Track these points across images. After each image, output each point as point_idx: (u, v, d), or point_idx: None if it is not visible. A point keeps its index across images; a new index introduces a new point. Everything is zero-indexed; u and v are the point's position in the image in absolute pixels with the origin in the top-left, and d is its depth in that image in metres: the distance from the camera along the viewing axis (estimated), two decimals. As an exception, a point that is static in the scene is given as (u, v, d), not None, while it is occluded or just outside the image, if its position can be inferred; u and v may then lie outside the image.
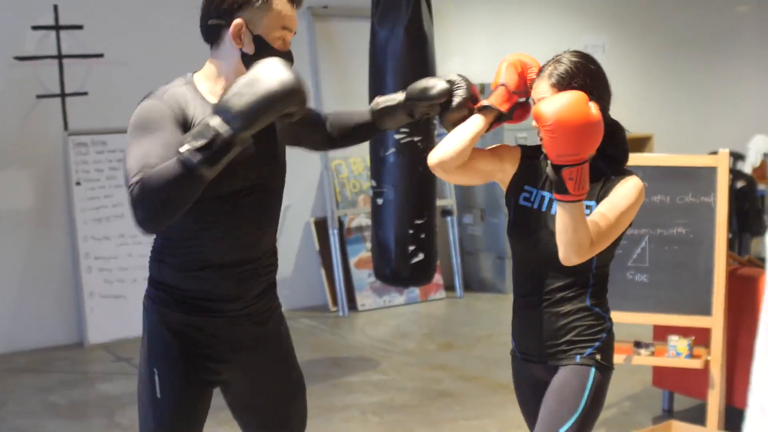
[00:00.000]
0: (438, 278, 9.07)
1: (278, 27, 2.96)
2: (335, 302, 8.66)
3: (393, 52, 6.14)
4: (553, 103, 2.83)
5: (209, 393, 3.29)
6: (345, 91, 8.83)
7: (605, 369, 3.14)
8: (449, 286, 9.25)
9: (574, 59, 3.12)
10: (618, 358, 5.13)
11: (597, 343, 3.12)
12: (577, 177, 2.84)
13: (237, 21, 2.96)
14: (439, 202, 8.97)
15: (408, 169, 6.17)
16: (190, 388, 3.17)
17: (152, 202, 2.66)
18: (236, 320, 3.14)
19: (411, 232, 6.16)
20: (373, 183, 6.30)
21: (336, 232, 8.58)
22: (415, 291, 8.92)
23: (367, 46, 6.42)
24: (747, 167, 9.37)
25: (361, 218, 8.78)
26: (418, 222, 6.18)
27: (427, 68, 6.22)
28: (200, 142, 2.64)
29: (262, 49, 2.93)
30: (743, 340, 5.06)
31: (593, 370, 3.09)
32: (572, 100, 2.83)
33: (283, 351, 3.45)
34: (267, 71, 2.72)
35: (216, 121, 2.67)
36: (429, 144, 6.24)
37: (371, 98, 6.32)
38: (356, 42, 8.47)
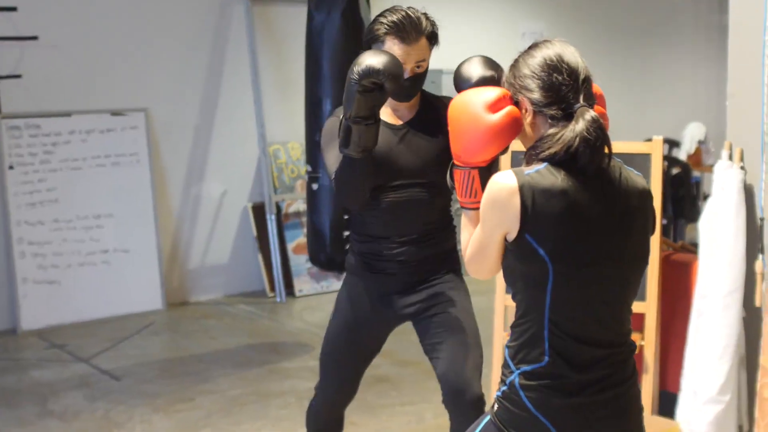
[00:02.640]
0: (376, 264, 9.06)
1: None
2: (273, 288, 8.63)
3: (329, 37, 6.11)
4: (458, 98, 2.78)
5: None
6: (283, 77, 8.79)
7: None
8: (387, 272, 9.25)
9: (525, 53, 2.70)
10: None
11: (498, 393, 2.68)
12: (461, 182, 2.76)
13: None
14: (377, 188, 8.96)
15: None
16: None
17: (342, 189, 3.59)
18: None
19: (346, 217, 6.15)
20: (309, 168, 6.28)
21: (273, 217, 8.55)
22: (353, 277, 8.90)
23: (304, 31, 6.39)
24: (682, 154, 9.48)
25: (299, 204, 8.75)
26: (354, 208, 6.17)
27: (363, 54, 6.20)
28: (340, 138, 3.48)
29: None
30: (676, 325, 5.11)
31: (486, 418, 2.71)
32: (471, 98, 2.72)
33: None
34: (354, 61, 3.42)
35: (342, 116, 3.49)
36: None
37: (307, 84, 6.32)
38: (294, 27, 8.43)
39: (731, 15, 4.77)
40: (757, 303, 4.47)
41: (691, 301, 4.75)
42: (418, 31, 3.65)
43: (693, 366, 4.68)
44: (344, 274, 3.99)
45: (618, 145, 5.17)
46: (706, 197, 5.05)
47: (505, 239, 2.57)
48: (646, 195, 2.65)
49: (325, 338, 3.99)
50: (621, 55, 11.69)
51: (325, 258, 6.31)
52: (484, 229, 2.60)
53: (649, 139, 5.11)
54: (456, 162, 2.77)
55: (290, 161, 8.89)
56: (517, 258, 2.56)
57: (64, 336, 7.39)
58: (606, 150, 2.56)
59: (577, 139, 2.49)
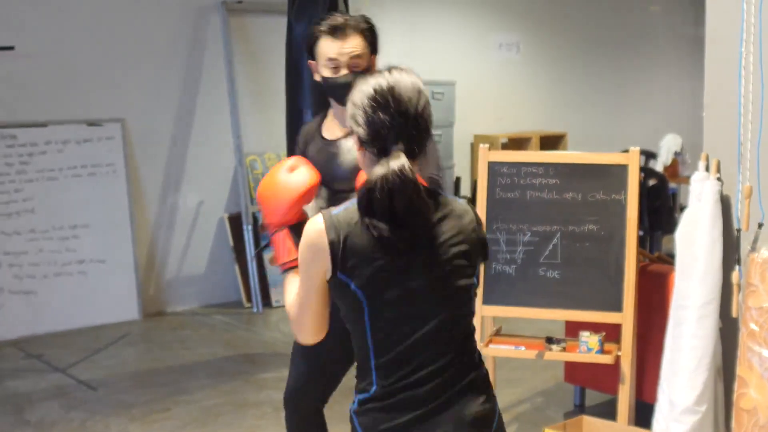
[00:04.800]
0: (353, 275, 9.06)
1: (325, 59, 3.65)
2: (249, 298, 8.61)
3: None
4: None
5: None
6: (261, 88, 8.79)
7: None
8: (364, 283, 9.25)
9: None
10: (530, 354, 5.18)
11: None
12: (278, 246, 2.87)
13: (311, 62, 3.76)
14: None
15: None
16: None
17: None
18: None
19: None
20: (288, 179, 6.28)
21: (250, 228, 8.53)
22: (330, 287, 8.90)
23: (283, 42, 6.39)
24: (659, 165, 9.51)
25: (276, 214, 8.73)
26: (333, 218, 6.17)
27: (343, 64, 6.20)
28: None
29: (322, 79, 3.72)
30: (653, 336, 5.13)
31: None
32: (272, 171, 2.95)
33: None
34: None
35: None
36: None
37: (288, 95, 6.32)
38: (272, 38, 8.43)
39: (708, 27, 4.79)
40: (734, 314, 4.49)
41: (668, 312, 4.76)
42: (350, 27, 3.69)
43: (670, 376, 4.69)
44: None
45: (595, 156, 5.21)
46: (682, 208, 5.07)
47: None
48: (468, 229, 2.58)
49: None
50: (597, 66, 11.74)
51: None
52: (302, 277, 2.54)
53: (626, 151, 5.13)
54: (269, 232, 2.86)
55: (266, 172, 8.86)
56: (337, 297, 2.54)
57: (40, 346, 7.36)
58: (409, 198, 2.42)
59: (378, 182, 2.41)
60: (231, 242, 8.71)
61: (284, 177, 2.83)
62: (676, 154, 9.58)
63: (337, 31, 3.65)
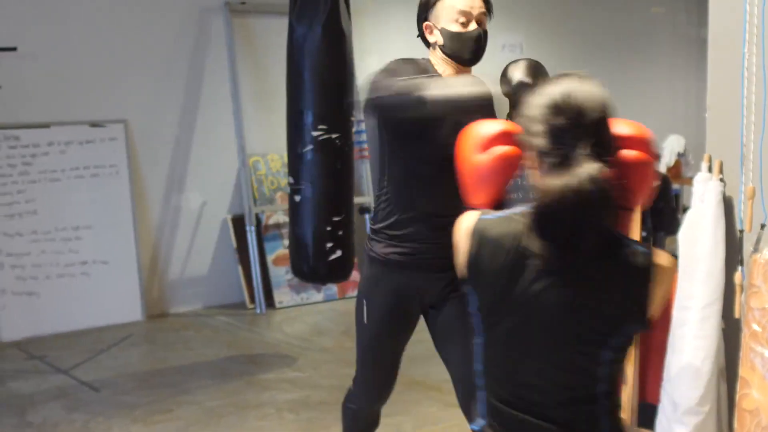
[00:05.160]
0: (356, 275, 9.05)
1: (455, 11, 3.58)
2: (252, 299, 8.61)
3: (310, 49, 6.11)
4: (465, 130, 2.70)
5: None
6: (263, 88, 8.79)
7: None
8: (367, 284, 9.25)
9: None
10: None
11: None
12: None
13: (425, 23, 3.71)
14: (358, 200, 8.96)
15: (326, 166, 6.15)
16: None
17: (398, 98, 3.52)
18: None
19: (329, 229, 6.14)
20: (291, 180, 6.27)
21: (253, 229, 8.53)
22: (333, 288, 8.91)
23: (285, 43, 6.39)
24: (662, 166, 9.50)
25: (279, 215, 8.74)
26: (336, 219, 6.17)
27: (344, 66, 6.21)
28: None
29: (449, 35, 3.61)
30: (656, 337, 5.12)
31: None
32: (471, 133, 2.65)
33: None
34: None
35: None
36: (347, 141, 6.23)
37: (289, 96, 6.32)
38: (274, 38, 8.43)
39: (711, 27, 4.79)
40: (737, 314, 4.48)
41: (671, 313, 4.76)
42: None
43: (672, 377, 4.69)
44: (365, 275, 3.86)
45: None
46: (685, 209, 5.06)
47: None
48: (634, 280, 2.32)
49: (362, 338, 3.92)
50: (600, 67, 11.72)
51: (308, 270, 6.30)
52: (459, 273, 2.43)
53: (629, 151, 5.12)
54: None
55: (270, 173, 8.88)
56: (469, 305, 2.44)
57: (42, 347, 7.36)
58: (597, 213, 2.22)
59: (561, 192, 2.21)
60: (234, 243, 8.71)
61: (475, 158, 2.52)
62: (679, 155, 9.57)
63: None
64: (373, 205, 3.71)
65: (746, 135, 4.58)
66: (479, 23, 3.60)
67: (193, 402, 6.15)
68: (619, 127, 2.37)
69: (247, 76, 8.78)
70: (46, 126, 7.79)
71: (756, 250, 4.13)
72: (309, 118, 6.10)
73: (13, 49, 7.59)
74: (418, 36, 3.78)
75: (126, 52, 8.16)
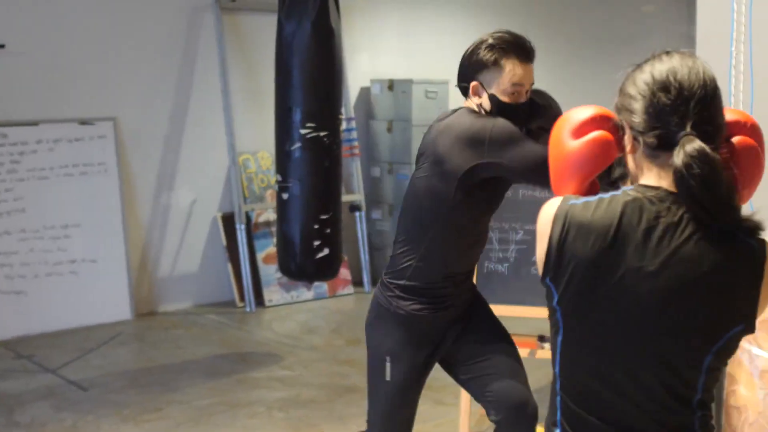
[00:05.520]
0: (346, 273, 9.06)
1: (509, 84, 3.46)
2: (242, 298, 8.60)
3: (299, 46, 6.11)
4: (560, 117, 2.54)
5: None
6: (253, 86, 8.78)
7: None
8: (357, 282, 9.25)
9: None
10: (523, 352, 5.16)
11: None
12: None
13: (474, 83, 3.52)
14: (348, 198, 8.96)
15: (313, 164, 6.15)
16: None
17: None
18: None
19: (316, 227, 6.14)
20: (279, 177, 6.27)
21: (243, 227, 8.52)
22: (323, 286, 8.90)
23: (274, 40, 6.38)
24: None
25: (269, 213, 8.73)
26: (324, 217, 6.17)
27: (333, 63, 6.21)
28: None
29: (497, 104, 3.47)
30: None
31: None
32: (564, 119, 2.48)
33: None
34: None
35: None
36: (335, 139, 6.23)
37: (277, 93, 6.31)
38: (264, 36, 8.42)
39: (698, 26, 4.79)
40: (725, 312, 4.49)
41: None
42: (532, 51, 3.58)
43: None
44: (386, 321, 3.69)
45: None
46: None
47: None
48: (748, 274, 2.09)
49: (384, 397, 3.77)
50: (590, 65, 11.72)
51: (295, 268, 6.31)
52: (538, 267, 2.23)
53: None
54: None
55: (260, 171, 8.87)
56: (547, 300, 2.21)
57: (31, 346, 7.34)
58: (715, 196, 2.03)
59: (679, 174, 2.04)
60: (224, 241, 8.70)
61: (569, 144, 2.34)
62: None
63: (527, 54, 3.53)
64: (389, 254, 3.61)
65: (734, 132, 4.57)
66: (526, 95, 3.54)
67: (183, 401, 6.15)
68: (725, 114, 2.20)
69: (238, 74, 8.76)
70: (34, 124, 7.77)
71: None
72: (297, 116, 6.10)
73: (2, 46, 7.57)
74: (457, 85, 3.63)
75: (116, 50, 8.14)
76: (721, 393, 4.40)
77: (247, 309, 8.50)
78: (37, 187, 7.76)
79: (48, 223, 7.81)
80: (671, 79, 2.12)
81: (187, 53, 8.54)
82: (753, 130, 2.26)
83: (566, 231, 2.11)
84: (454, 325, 3.72)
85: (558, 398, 2.21)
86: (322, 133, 6.12)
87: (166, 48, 8.43)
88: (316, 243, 6.15)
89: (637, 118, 2.14)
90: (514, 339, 5.21)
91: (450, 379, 3.91)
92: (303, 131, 6.10)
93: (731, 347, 2.13)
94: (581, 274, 2.10)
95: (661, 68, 2.15)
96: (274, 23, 6.33)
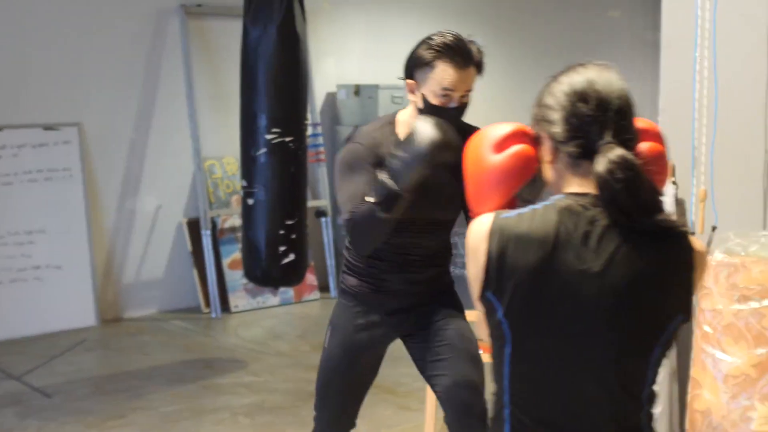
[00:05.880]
0: (312, 279, 9.05)
1: (439, 87, 3.42)
2: (208, 304, 8.57)
3: (265, 51, 6.10)
4: (474, 136, 2.52)
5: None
6: (218, 91, 8.76)
7: None
8: (324, 287, 9.24)
9: None
10: (487, 357, 5.18)
11: None
12: None
13: (410, 80, 3.52)
14: (314, 203, 8.95)
15: (279, 170, 6.14)
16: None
17: (358, 235, 3.46)
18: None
19: (282, 232, 6.13)
20: (244, 183, 6.26)
21: (209, 232, 8.49)
22: (289, 292, 8.88)
23: (239, 45, 6.37)
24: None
25: (235, 219, 8.71)
26: (289, 222, 6.16)
27: (299, 69, 6.20)
28: (378, 197, 3.30)
29: (426, 105, 3.47)
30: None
31: None
32: (481, 136, 2.48)
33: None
34: (417, 132, 3.27)
35: (386, 178, 3.29)
36: (301, 145, 6.22)
37: (243, 99, 6.30)
38: (230, 41, 8.40)
39: (663, 32, 4.83)
40: (689, 316, 4.51)
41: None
42: (470, 56, 3.46)
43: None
44: (338, 297, 3.83)
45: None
46: (638, 212, 5.08)
47: None
48: (681, 267, 2.18)
49: (321, 366, 3.84)
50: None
51: (260, 273, 6.29)
52: (471, 285, 2.22)
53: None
54: (470, 215, 2.43)
55: (226, 176, 8.85)
56: (486, 317, 2.21)
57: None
58: (637, 200, 2.10)
59: (602, 181, 2.10)
60: (189, 247, 8.67)
61: (491, 158, 2.35)
62: (634, 158, 9.64)
63: (459, 60, 3.43)
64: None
65: (698, 138, 4.62)
66: (462, 100, 3.48)
67: (148, 407, 6.12)
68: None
69: (203, 79, 8.74)
70: (-2, 129, 7.74)
71: (707, 251, 4.16)
72: (263, 121, 6.09)
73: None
74: (401, 78, 3.63)
75: (80, 54, 8.10)
76: (685, 397, 4.42)
77: (213, 315, 8.48)
78: (1, 193, 7.70)
79: (12, 228, 7.75)
80: (590, 90, 2.19)
81: (152, 58, 8.51)
82: (658, 136, 2.36)
83: (504, 244, 2.12)
84: (399, 315, 3.72)
85: (507, 411, 2.22)
86: (287, 139, 6.11)
87: (131, 53, 8.40)
88: (282, 248, 6.14)
89: (558, 129, 2.19)
90: (482, 345, 5.24)
91: (415, 384, 3.92)
92: (268, 137, 6.09)
93: (672, 338, 2.20)
94: (526, 284, 2.11)
95: (579, 79, 2.23)
96: (240, 28, 6.32)
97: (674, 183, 4.68)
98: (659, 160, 2.31)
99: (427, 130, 3.25)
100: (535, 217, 2.13)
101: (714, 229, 4.41)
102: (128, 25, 8.36)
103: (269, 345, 7.59)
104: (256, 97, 6.13)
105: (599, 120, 2.16)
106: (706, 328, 4.05)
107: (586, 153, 2.16)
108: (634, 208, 2.09)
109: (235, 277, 8.64)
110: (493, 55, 11.58)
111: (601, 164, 2.10)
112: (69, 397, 6.33)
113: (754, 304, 3.91)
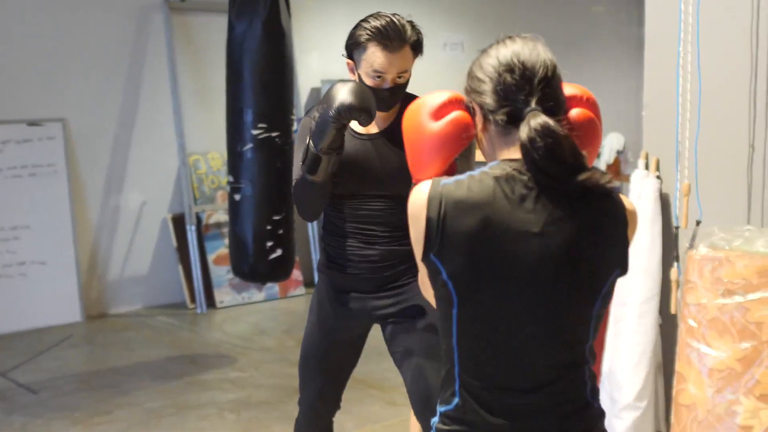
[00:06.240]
0: (297, 274, 9.04)
1: (371, 69, 3.47)
2: (193, 299, 8.56)
3: (250, 47, 6.09)
4: (410, 106, 2.58)
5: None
6: (203, 86, 8.74)
7: None
8: (309, 282, 9.24)
9: None
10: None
11: None
12: None
13: (349, 60, 3.61)
14: (299, 198, 8.93)
15: (266, 165, 6.13)
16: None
17: (297, 200, 3.60)
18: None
19: (269, 227, 6.12)
20: (230, 178, 6.25)
21: (194, 228, 8.48)
22: (275, 287, 8.88)
23: (225, 41, 6.36)
24: (601, 164, 9.58)
25: (220, 214, 8.71)
26: (276, 218, 6.15)
27: (284, 64, 6.19)
28: (304, 160, 3.43)
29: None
30: (595, 333, 5.16)
31: None
32: (418, 105, 2.54)
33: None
34: (328, 93, 3.37)
35: (309, 141, 3.41)
36: (287, 140, 6.21)
37: (228, 94, 6.29)
38: (214, 36, 8.40)
39: (647, 26, 4.84)
40: (673, 310, 4.53)
41: (608, 309, 4.80)
42: (401, 38, 3.50)
43: (611, 373, 4.73)
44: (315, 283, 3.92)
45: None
46: (623, 206, 5.08)
47: None
48: (615, 224, 2.28)
49: (302, 345, 3.89)
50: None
51: (248, 269, 6.28)
52: (414, 247, 2.32)
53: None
54: (413, 181, 2.48)
55: (210, 171, 8.83)
56: (429, 278, 2.31)
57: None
58: (560, 164, 2.19)
59: (527, 146, 2.19)
60: (174, 243, 8.66)
61: (431, 126, 2.41)
62: (619, 152, 9.66)
63: (388, 43, 3.47)
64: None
65: (681, 133, 4.63)
66: (397, 81, 3.51)
67: (134, 403, 6.11)
68: (565, 88, 2.36)
69: (187, 74, 8.73)
70: (-18, 125, 7.71)
71: (692, 246, 4.18)
72: (249, 117, 6.08)
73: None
74: (343, 56, 3.70)
75: (64, 50, 8.08)
76: (670, 391, 4.44)
77: (198, 310, 8.47)
78: (-15, 188, 7.70)
79: (-4, 225, 7.74)
80: (515, 60, 2.28)
81: (136, 53, 8.49)
82: (590, 103, 2.41)
83: (444, 210, 2.21)
84: (370, 298, 3.68)
85: (456, 369, 2.30)
86: (274, 134, 6.10)
87: (115, 48, 8.38)
88: (269, 244, 6.13)
89: (488, 99, 2.29)
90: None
91: (400, 380, 3.91)
92: (255, 132, 6.08)
93: (612, 291, 2.33)
94: (467, 246, 2.21)
95: (505, 52, 2.32)
96: (224, 23, 6.31)
97: (658, 177, 4.69)
98: (587, 125, 2.37)
99: (336, 90, 3.35)
100: (473, 183, 2.23)
101: (698, 223, 4.42)
102: (112, 21, 8.34)
103: (255, 340, 7.58)
104: (241, 92, 6.12)
105: (524, 88, 2.25)
106: (691, 323, 4.06)
107: (514, 120, 2.25)
108: (557, 171, 2.19)
109: (221, 273, 8.63)
110: (478, 49, 11.58)
111: (523, 132, 2.19)
112: (55, 393, 6.32)
113: (738, 299, 3.92)
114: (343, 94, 3.32)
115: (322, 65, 9.61)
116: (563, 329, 2.26)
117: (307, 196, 3.53)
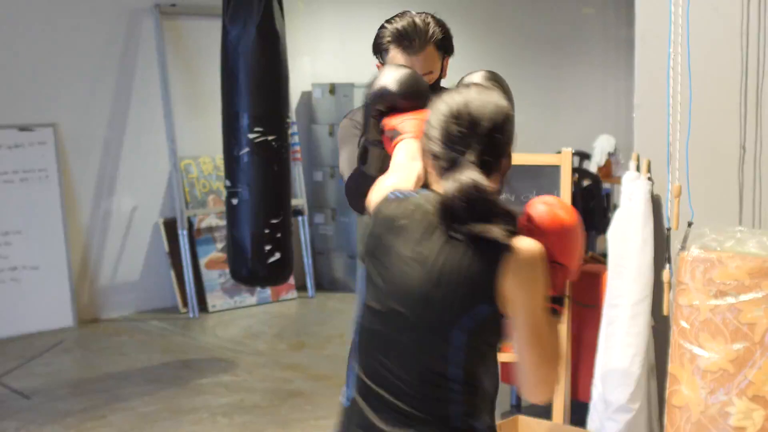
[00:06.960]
0: (290, 278, 9.04)
1: None
2: (185, 304, 8.55)
3: (244, 50, 6.10)
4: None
5: None
6: (194, 90, 8.74)
7: None
8: (301, 286, 9.23)
9: None
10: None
11: None
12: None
13: (377, 63, 3.51)
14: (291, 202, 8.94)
15: (263, 169, 6.15)
16: None
17: (350, 195, 3.37)
18: None
19: (267, 231, 6.13)
20: (228, 183, 6.25)
21: (185, 232, 8.47)
22: (267, 291, 8.87)
23: (217, 45, 6.36)
24: (593, 166, 9.59)
25: (211, 218, 8.70)
26: (274, 221, 6.16)
27: (279, 67, 6.21)
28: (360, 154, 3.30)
29: None
30: (587, 335, 5.17)
31: None
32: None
33: None
34: (374, 77, 3.14)
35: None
36: (284, 143, 6.22)
37: (224, 98, 6.29)
38: (204, 40, 8.40)
39: (637, 27, 4.85)
40: (665, 312, 4.54)
41: (601, 311, 4.80)
42: (423, 39, 3.42)
43: (603, 375, 4.73)
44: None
45: (528, 157, 5.23)
46: (615, 208, 5.12)
47: None
48: (486, 268, 2.35)
49: None
50: (531, 68, 11.79)
51: (247, 273, 6.29)
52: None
53: (559, 152, 5.16)
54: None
55: (202, 176, 8.83)
56: None
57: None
58: (470, 216, 2.34)
59: (452, 196, 2.34)
60: (166, 247, 8.65)
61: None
62: (610, 154, 9.67)
63: (408, 44, 3.40)
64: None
65: (672, 134, 4.63)
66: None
67: (127, 408, 6.11)
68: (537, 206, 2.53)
69: (178, 79, 8.72)
70: (-27, 130, 7.70)
71: (683, 247, 4.18)
72: (245, 121, 6.09)
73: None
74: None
75: (55, 54, 8.07)
76: (663, 393, 4.45)
77: (191, 315, 8.46)
78: (-24, 194, 7.68)
79: (-12, 230, 7.73)
80: (463, 110, 2.41)
81: (126, 58, 8.49)
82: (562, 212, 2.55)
83: (377, 218, 2.50)
84: None
85: (355, 363, 2.52)
86: (270, 137, 6.11)
87: (106, 53, 8.37)
88: (268, 247, 6.14)
89: (435, 146, 2.44)
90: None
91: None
92: (251, 136, 6.10)
93: (481, 327, 2.38)
94: (375, 258, 2.47)
95: (457, 100, 2.44)
96: (215, 27, 6.32)
97: (649, 179, 4.70)
98: (554, 228, 2.49)
99: (383, 73, 3.14)
100: (401, 204, 2.46)
101: (690, 224, 4.43)
102: (102, 25, 8.33)
103: (247, 344, 7.58)
104: (237, 96, 6.13)
105: (465, 140, 2.39)
106: (684, 324, 4.07)
107: (452, 167, 2.40)
108: (465, 222, 2.34)
109: (213, 277, 8.63)
110: (467, 52, 11.58)
111: (449, 183, 2.36)
112: (47, 398, 6.31)
113: (730, 300, 3.93)
114: (380, 77, 3.14)
115: (312, 69, 9.61)
116: (425, 348, 2.40)
117: (362, 188, 3.28)
